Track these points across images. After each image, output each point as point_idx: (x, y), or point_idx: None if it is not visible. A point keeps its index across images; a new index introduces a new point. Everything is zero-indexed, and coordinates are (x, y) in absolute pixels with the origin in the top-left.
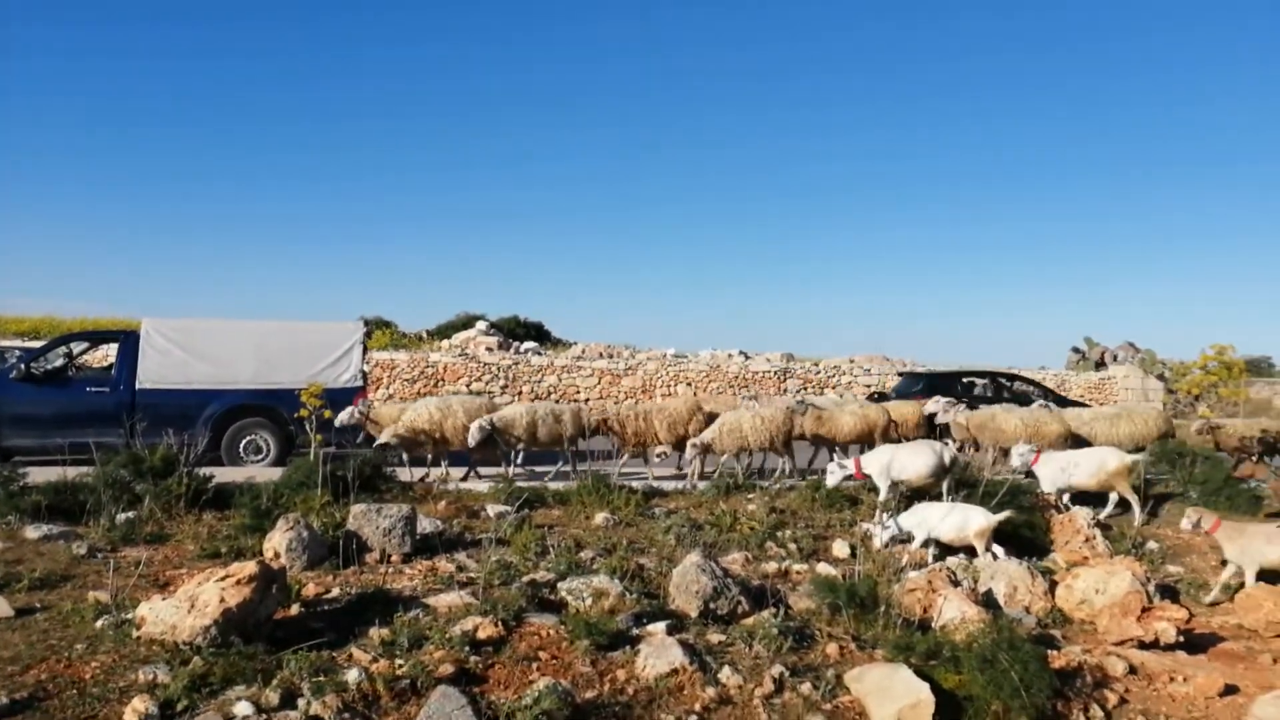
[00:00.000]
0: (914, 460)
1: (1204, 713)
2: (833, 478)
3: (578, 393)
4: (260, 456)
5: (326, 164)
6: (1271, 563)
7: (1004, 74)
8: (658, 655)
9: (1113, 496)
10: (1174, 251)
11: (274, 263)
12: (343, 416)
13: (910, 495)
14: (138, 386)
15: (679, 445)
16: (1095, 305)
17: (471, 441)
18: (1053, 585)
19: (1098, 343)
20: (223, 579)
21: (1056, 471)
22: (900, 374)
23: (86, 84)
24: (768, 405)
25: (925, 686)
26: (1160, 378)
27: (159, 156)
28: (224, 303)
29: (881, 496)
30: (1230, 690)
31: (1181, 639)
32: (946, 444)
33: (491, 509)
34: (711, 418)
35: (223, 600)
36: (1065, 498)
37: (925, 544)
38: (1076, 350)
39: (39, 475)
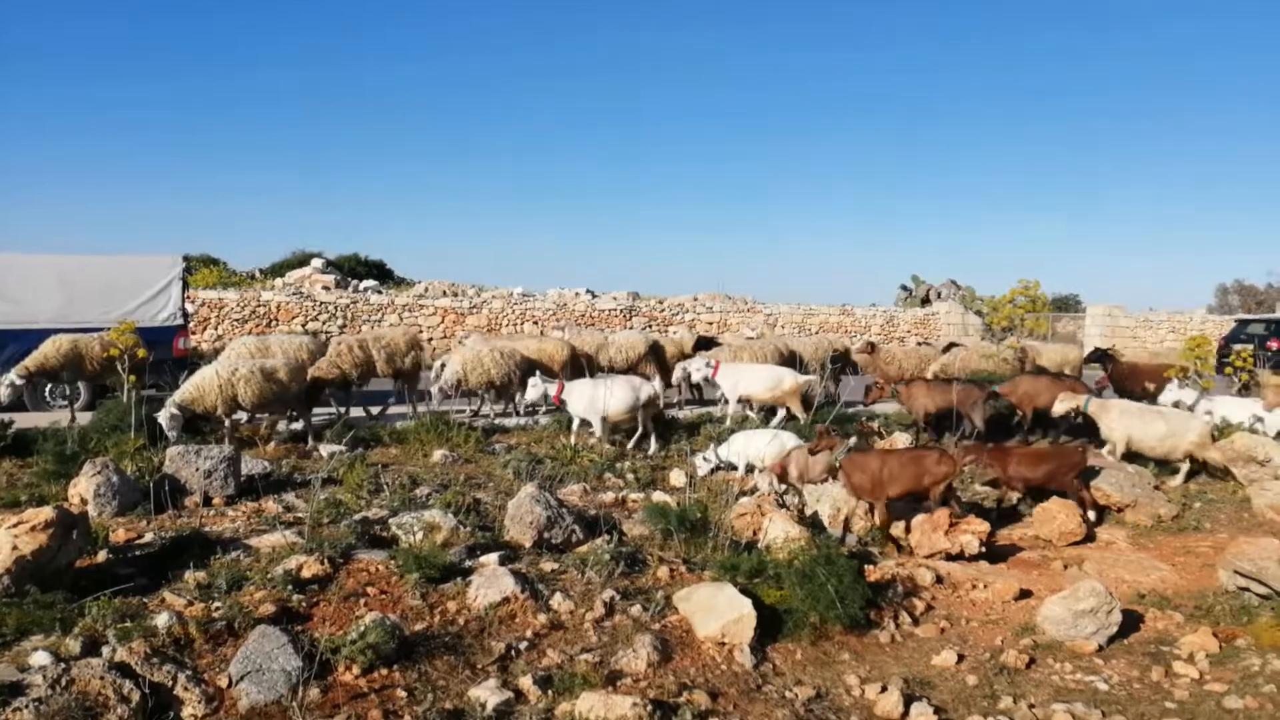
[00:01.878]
0: (612, 396)
1: (1001, 615)
2: (532, 393)
3: (420, 331)
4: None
5: (153, 93)
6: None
7: (828, 16)
8: (489, 585)
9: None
10: (1001, 193)
11: (89, 197)
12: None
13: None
14: None
15: (398, 376)
16: (923, 245)
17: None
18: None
19: (924, 280)
20: (15, 526)
21: (734, 382)
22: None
23: None
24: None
25: (748, 602)
26: (979, 313)
27: None
28: (30, 241)
29: (574, 424)
30: (1025, 594)
31: (985, 550)
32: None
33: (324, 449)
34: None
35: (15, 548)
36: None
37: (749, 470)
38: (904, 288)
39: None
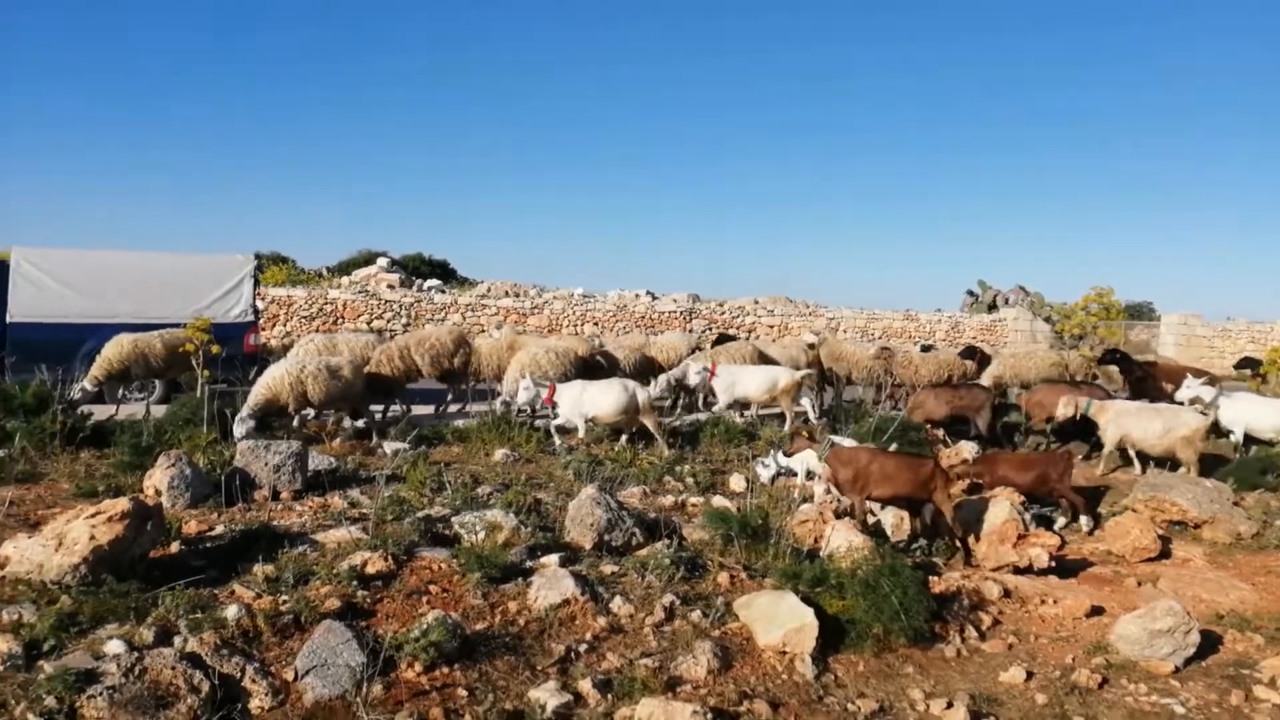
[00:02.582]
0: (603, 397)
1: (1072, 632)
2: (524, 394)
3: (482, 331)
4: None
5: (228, 98)
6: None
7: (895, 20)
8: (550, 586)
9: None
10: (1069, 199)
11: (167, 197)
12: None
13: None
14: (8, 320)
15: (447, 376)
16: (991, 249)
17: None
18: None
19: (991, 286)
20: (93, 516)
21: (732, 384)
22: None
23: None
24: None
25: (810, 611)
26: (1047, 320)
27: (41, 80)
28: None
29: (557, 421)
30: (1097, 611)
31: (1054, 564)
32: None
33: (388, 446)
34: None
35: (93, 538)
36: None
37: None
38: (970, 293)
39: None
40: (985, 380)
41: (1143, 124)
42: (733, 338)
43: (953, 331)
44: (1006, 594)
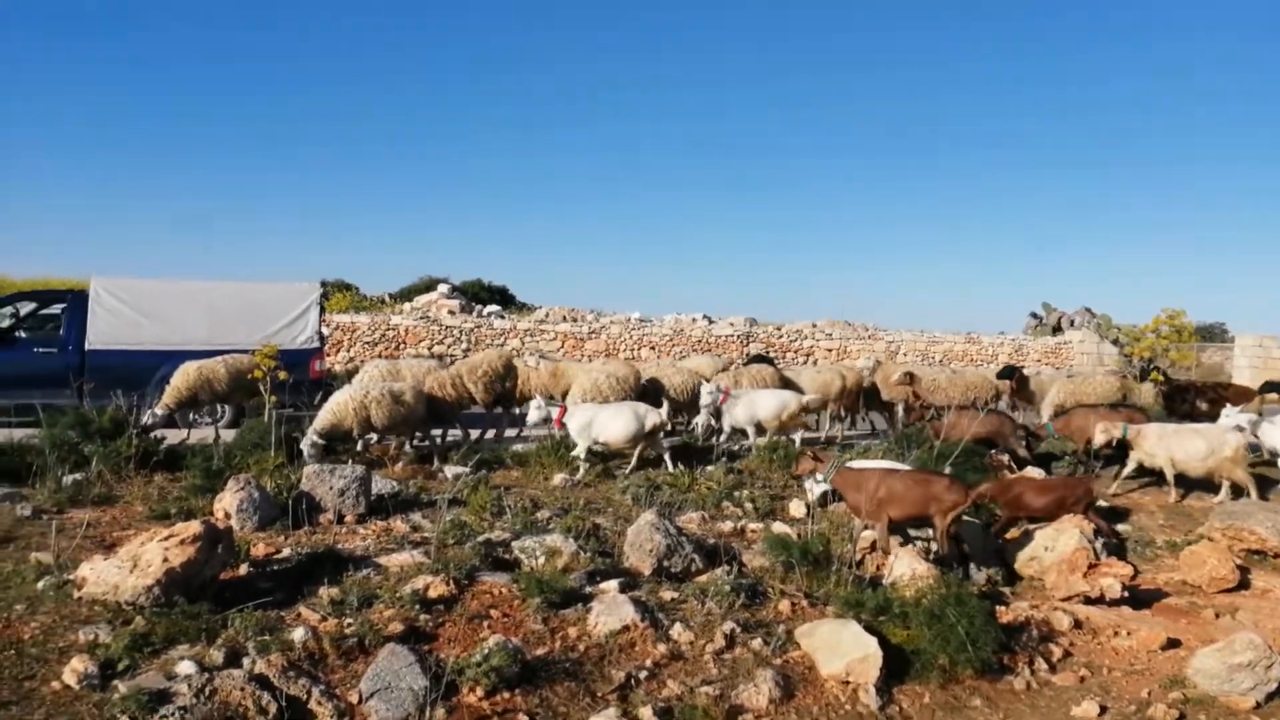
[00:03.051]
0: (614, 422)
1: (1146, 665)
2: (534, 415)
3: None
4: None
5: (290, 128)
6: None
7: (958, 42)
8: (610, 612)
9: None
10: (1135, 218)
11: (234, 226)
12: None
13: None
14: (87, 347)
15: (501, 400)
16: (1054, 271)
17: None
18: (1004, 543)
19: (1055, 308)
20: (166, 539)
21: (742, 410)
22: None
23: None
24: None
25: (874, 640)
26: (1115, 342)
27: (111, 116)
28: (180, 266)
29: (575, 452)
30: (1172, 644)
31: (1127, 594)
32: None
33: (449, 470)
34: None
35: (166, 560)
36: None
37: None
38: (1034, 315)
39: None
40: (1046, 407)
41: (1216, 140)
42: (769, 360)
43: (1016, 354)
44: (1077, 625)
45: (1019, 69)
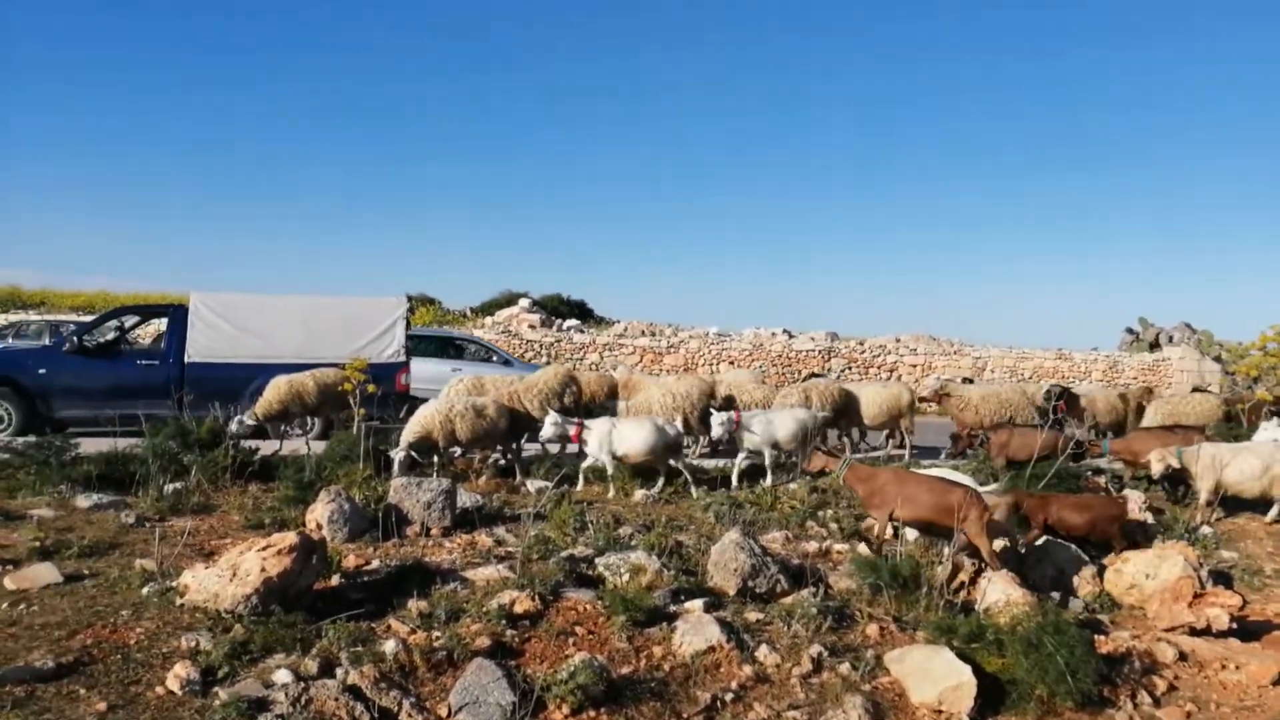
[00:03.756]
0: (634, 435)
1: (1257, 701)
2: (548, 430)
3: (607, 369)
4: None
5: (375, 145)
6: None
7: (1052, 45)
8: (694, 632)
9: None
10: (1235, 231)
11: (322, 241)
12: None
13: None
14: (186, 360)
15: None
16: (1152, 286)
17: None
18: (1101, 570)
19: (1153, 323)
20: (264, 549)
21: (760, 432)
22: None
23: (132, 53)
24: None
25: (967, 669)
26: (1217, 359)
27: (207, 133)
28: (271, 279)
29: (586, 462)
30: None
31: (1235, 626)
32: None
33: (531, 485)
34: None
35: (263, 570)
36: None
37: None
38: (1130, 331)
39: (90, 446)
40: (1149, 420)
41: None
42: (821, 375)
43: (1111, 371)
44: (1182, 657)
45: (1117, 68)
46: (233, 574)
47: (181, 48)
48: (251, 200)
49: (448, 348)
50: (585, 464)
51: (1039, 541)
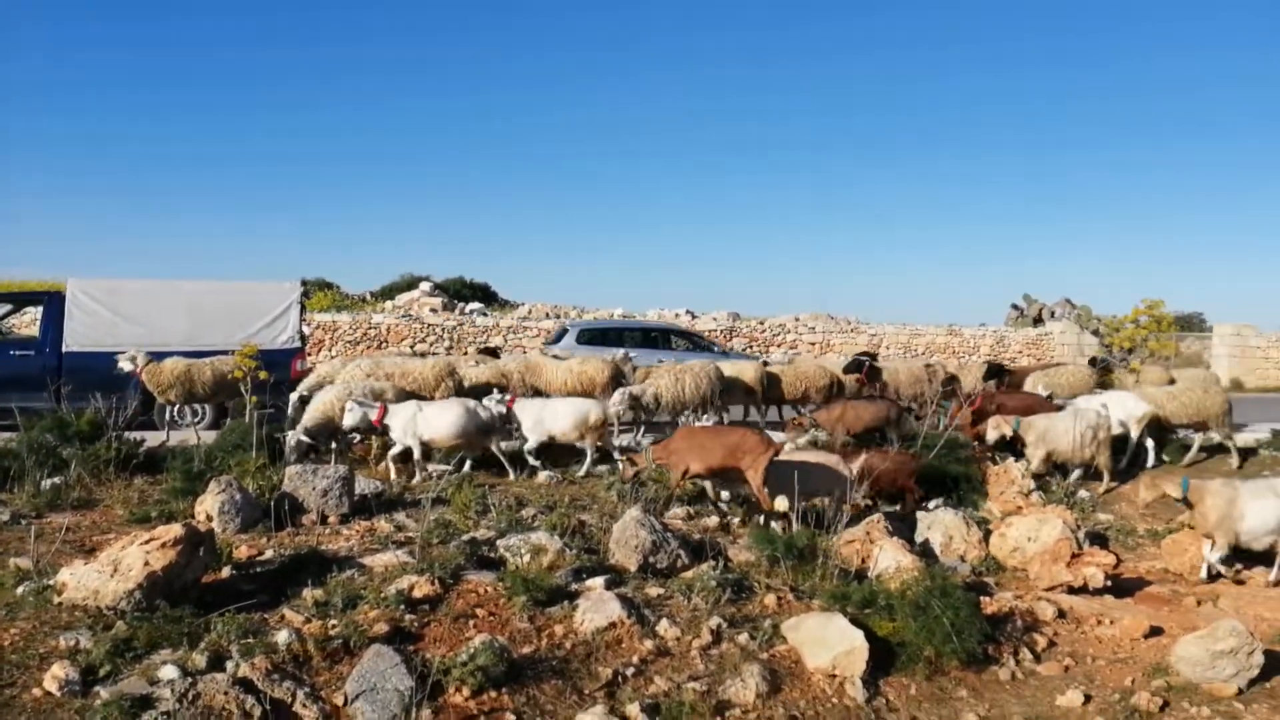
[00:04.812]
0: (441, 418)
1: (1129, 654)
2: (349, 419)
3: (524, 354)
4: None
5: (267, 125)
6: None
7: (938, 33)
8: (596, 610)
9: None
10: (1115, 210)
11: (212, 225)
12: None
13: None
14: (64, 349)
15: None
16: (1037, 262)
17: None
18: (988, 534)
19: (1036, 299)
20: (147, 542)
21: (534, 420)
22: None
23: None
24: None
25: (860, 634)
26: (1095, 333)
27: (90, 114)
28: (159, 265)
29: (393, 451)
30: (1155, 632)
31: (1109, 584)
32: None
33: (433, 468)
34: None
35: (147, 564)
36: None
37: None
38: (1015, 307)
39: None
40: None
41: (1191, 130)
42: (871, 356)
43: (998, 346)
44: (1061, 614)
45: (1000, 57)
46: (114, 569)
47: (43, 14)
48: (135, 184)
49: (656, 340)
50: (393, 451)
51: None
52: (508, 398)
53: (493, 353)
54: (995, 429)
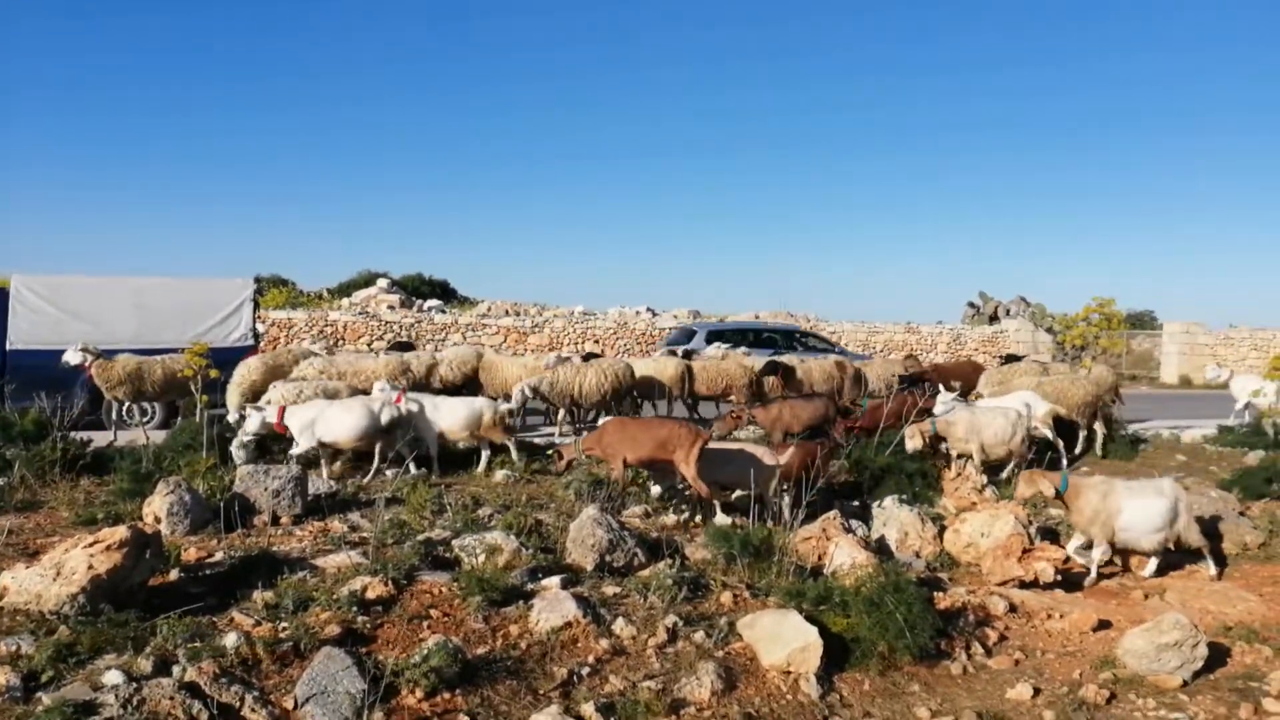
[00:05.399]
0: (342, 419)
1: (1078, 647)
2: (251, 423)
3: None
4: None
5: (221, 120)
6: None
7: (897, 30)
8: (551, 609)
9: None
10: (1070, 208)
11: (164, 220)
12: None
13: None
14: (8, 347)
15: None
16: (992, 260)
17: None
18: (943, 530)
19: (992, 297)
20: (91, 545)
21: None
22: None
23: None
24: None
25: (814, 630)
26: (1049, 330)
27: (38, 108)
28: (108, 261)
29: (295, 450)
30: (1104, 625)
31: (1060, 578)
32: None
33: (388, 469)
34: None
35: (91, 567)
36: None
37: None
38: (971, 305)
39: None
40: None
41: (1142, 129)
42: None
43: (954, 344)
44: (1012, 609)
45: (957, 55)
46: (56, 573)
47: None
48: (84, 177)
49: (781, 341)
50: (294, 451)
51: None
52: (395, 393)
53: (406, 346)
54: (911, 438)
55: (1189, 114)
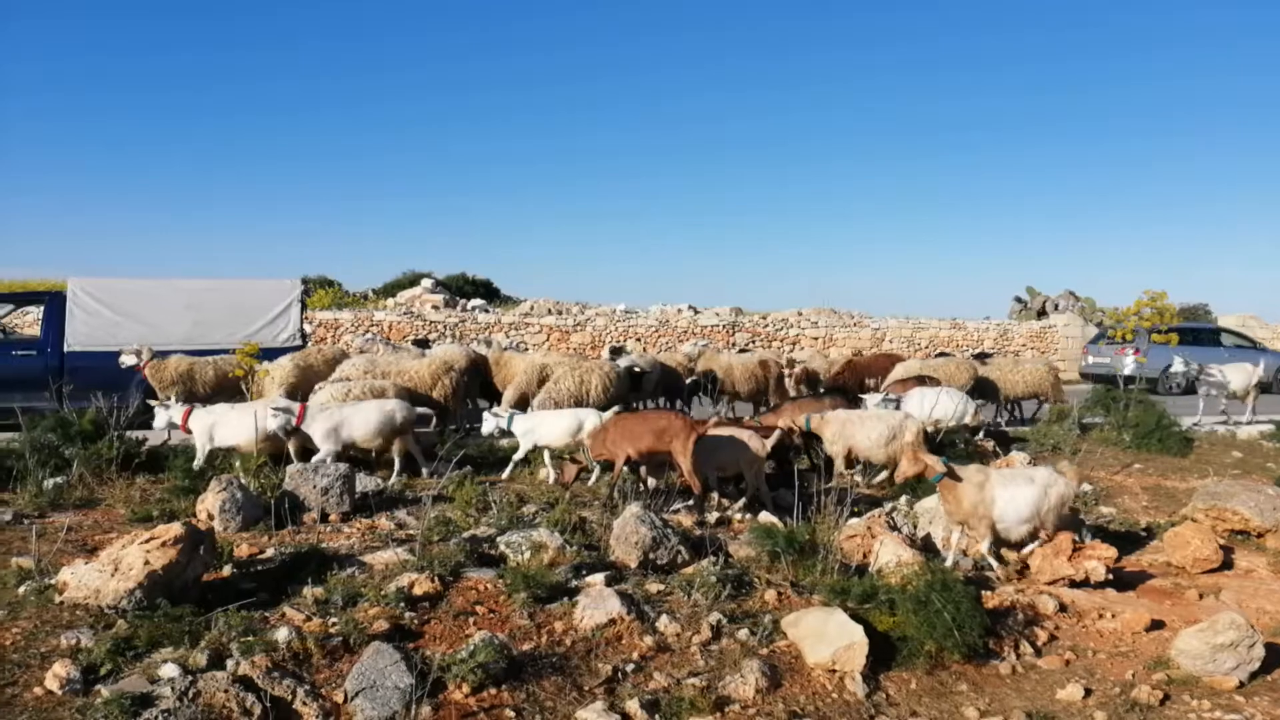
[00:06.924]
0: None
1: (1131, 647)
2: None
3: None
4: None
5: (268, 123)
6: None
7: (953, 27)
8: (596, 606)
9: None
10: (1120, 200)
11: (213, 223)
12: None
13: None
14: (65, 349)
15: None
16: (1041, 255)
17: None
18: None
19: (1040, 292)
20: (147, 541)
21: (325, 425)
22: None
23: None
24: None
25: (859, 629)
26: (1099, 325)
27: (90, 114)
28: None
29: (319, 455)
30: (1156, 625)
31: (1111, 577)
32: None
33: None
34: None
35: (147, 563)
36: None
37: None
38: (1019, 300)
39: None
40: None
41: (1197, 122)
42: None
43: (1001, 339)
44: (1062, 608)
45: (1000, 50)
46: (114, 568)
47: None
48: (138, 182)
49: (1206, 339)
50: (197, 462)
51: None
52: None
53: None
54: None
55: (1243, 105)
